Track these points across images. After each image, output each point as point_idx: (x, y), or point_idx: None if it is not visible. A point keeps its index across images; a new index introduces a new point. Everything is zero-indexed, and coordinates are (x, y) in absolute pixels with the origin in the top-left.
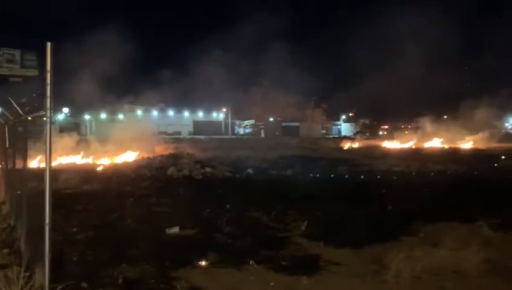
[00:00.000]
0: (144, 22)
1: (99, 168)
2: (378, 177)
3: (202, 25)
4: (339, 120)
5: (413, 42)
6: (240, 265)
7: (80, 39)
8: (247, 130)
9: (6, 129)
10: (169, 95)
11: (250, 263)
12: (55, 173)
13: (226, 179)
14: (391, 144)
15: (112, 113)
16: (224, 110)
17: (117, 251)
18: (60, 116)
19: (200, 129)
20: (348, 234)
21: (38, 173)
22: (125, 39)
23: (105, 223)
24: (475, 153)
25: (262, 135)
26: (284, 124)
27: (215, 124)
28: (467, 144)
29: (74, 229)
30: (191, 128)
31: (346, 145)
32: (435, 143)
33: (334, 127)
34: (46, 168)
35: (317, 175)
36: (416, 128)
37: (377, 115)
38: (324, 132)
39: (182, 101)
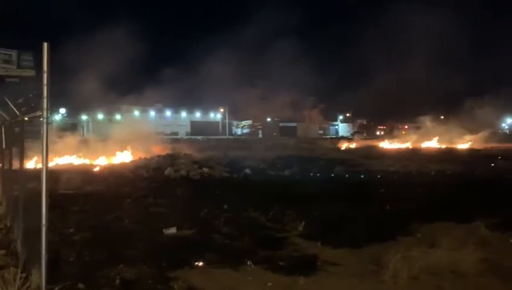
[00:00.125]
0: (142, 22)
1: (96, 169)
2: (376, 177)
3: (199, 26)
4: (336, 120)
5: (411, 42)
6: (237, 265)
7: (77, 39)
8: (245, 131)
9: (3, 130)
10: (167, 95)
11: (248, 263)
12: (52, 173)
13: (223, 179)
14: (388, 144)
15: (109, 113)
16: (222, 110)
17: (114, 252)
18: (57, 117)
19: (197, 129)
20: (346, 234)
21: (35, 174)
22: (122, 39)
23: (102, 223)
24: (472, 153)
25: (260, 135)
26: (281, 124)
27: (213, 125)
28: (463, 144)
29: (71, 230)
30: (188, 129)
31: (344, 145)
32: (432, 143)
33: (331, 127)
34: (42, 168)
35: (315, 175)
36: (413, 129)
37: (374, 115)
38: (321, 132)
39: (179, 102)
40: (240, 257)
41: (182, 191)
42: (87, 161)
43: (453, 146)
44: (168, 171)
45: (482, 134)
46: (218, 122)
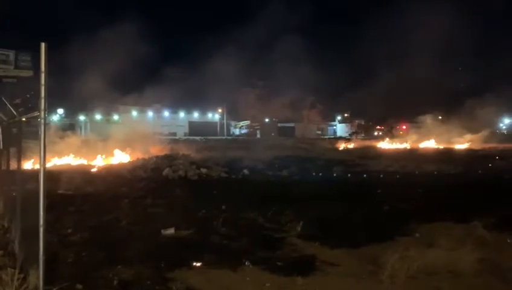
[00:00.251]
0: (139, 23)
1: (94, 169)
2: (374, 177)
3: (197, 26)
4: (334, 121)
5: (410, 42)
6: (235, 266)
7: (74, 40)
8: (243, 131)
9: (0, 130)
10: (165, 95)
11: (246, 263)
12: (50, 174)
13: (221, 179)
14: (386, 145)
15: (107, 114)
16: (220, 110)
17: (112, 252)
18: (55, 117)
19: (195, 130)
20: (344, 234)
21: (33, 174)
22: (120, 40)
23: (100, 224)
24: (470, 154)
25: (258, 136)
26: (279, 124)
27: (211, 125)
28: (461, 145)
29: (69, 231)
30: (186, 129)
31: (342, 145)
32: (430, 143)
33: (329, 127)
34: (40, 169)
35: (313, 175)
36: (411, 129)
37: (372, 115)
38: (320, 132)
39: (177, 102)
40: (238, 258)
41: (180, 192)
42: (85, 162)
43: (451, 146)
44: (166, 171)
45: (481, 134)
46: (216, 122)
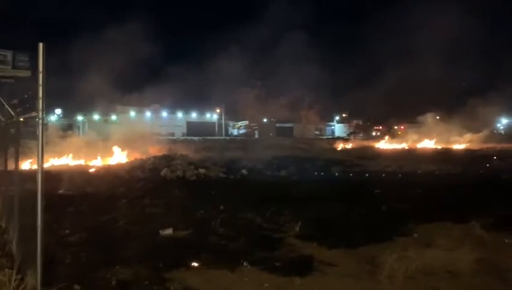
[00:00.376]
0: (137, 23)
1: (92, 170)
2: (372, 177)
3: (195, 26)
4: (332, 121)
5: (408, 42)
6: (233, 266)
7: (71, 40)
8: (241, 131)
9: None
10: (163, 96)
11: (244, 264)
12: (48, 174)
13: (219, 180)
14: (384, 145)
15: (105, 114)
16: (218, 111)
17: (110, 253)
18: (53, 118)
19: (193, 130)
20: (342, 234)
21: (31, 175)
22: (118, 40)
23: (98, 224)
24: (468, 154)
25: (256, 136)
26: (277, 124)
27: (209, 125)
28: (459, 145)
29: (67, 231)
30: (184, 130)
31: (340, 146)
32: (428, 144)
33: (327, 128)
34: (38, 169)
35: (311, 176)
36: (409, 129)
37: (370, 115)
38: (318, 132)
39: (175, 102)
40: (236, 258)
41: (178, 192)
42: (82, 162)
43: (450, 146)
44: (164, 172)
45: (481, 134)
46: (214, 122)
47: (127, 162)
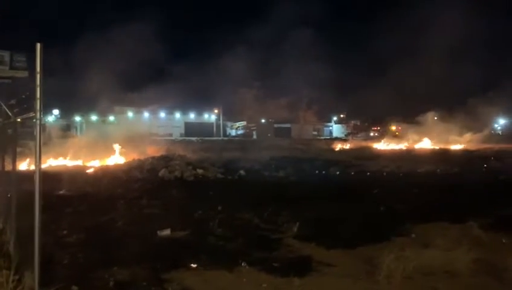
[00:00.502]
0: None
1: (90, 170)
2: (370, 178)
3: (192, 27)
4: (330, 121)
5: (406, 43)
6: (231, 267)
7: (69, 41)
8: (239, 132)
9: None
10: (161, 96)
11: (242, 264)
12: (45, 175)
13: (217, 180)
14: (382, 145)
15: (103, 114)
16: (216, 111)
17: (108, 254)
18: (50, 118)
19: (191, 131)
20: (340, 234)
21: (28, 175)
22: (115, 41)
23: (96, 225)
24: (465, 154)
25: (254, 136)
26: (275, 125)
27: (207, 126)
28: (457, 145)
29: (64, 232)
30: (182, 130)
31: (338, 146)
32: (426, 144)
33: (325, 128)
34: (36, 170)
35: (309, 176)
36: (408, 129)
37: (368, 116)
38: (316, 133)
39: (173, 103)
40: (234, 258)
41: (176, 193)
42: (80, 163)
43: (447, 147)
44: (162, 172)
45: (481, 134)
46: (212, 123)
47: (124, 163)
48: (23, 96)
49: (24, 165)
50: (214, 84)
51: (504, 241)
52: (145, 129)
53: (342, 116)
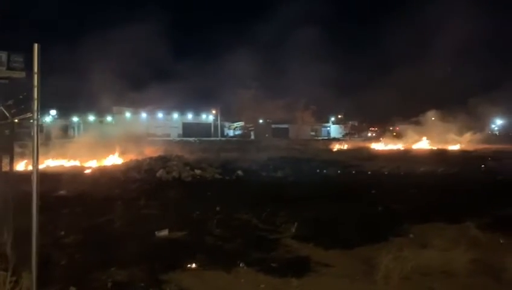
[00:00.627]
0: (134, 23)
1: (88, 171)
2: (367, 178)
3: (190, 27)
4: (328, 122)
5: (403, 44)
6: (229, 267)
7: (67, 41)
8: (237, 132)
9: None
10: (159, 97)
11: (240, 265)
12: (43, 175)
13: (215, 181)
14: (380, 146)
15: (100, 115)
16: (214, 112)
17: (106, 254)
18: (48, 119)
19: (189, 131)
20: (338, 235)
21: (26, 176)
22: (113, 41)
23: (93, 226)
24: (463, 155)
25: (252, 137)
26: (273, 125)
27: (205, 126)
28: (455, 146)
29: (62, 233)
30: (180, 131)
31: (336, 146)
32: (423, 144)
33: (323, 128)
34: (33, 170)
35: (307, 176)
36: (406, 130)
37: (365, 116)
38: (313, 133)
39: (171, 103)
40: (232, 259)
41: (174, 193)
42: (78, 163)
43: (445, 147)
44: (159, 173)
45: (477, 135)
46: (210, 123)
47: (122, 163)
48: (21, 97)
49: (22, 165)
50: (211, 84)
51: (501, 241)
52: (143, 130)
53: (339, 116)
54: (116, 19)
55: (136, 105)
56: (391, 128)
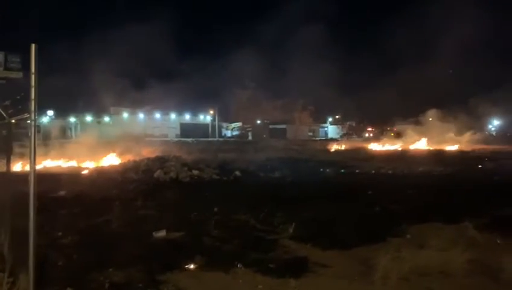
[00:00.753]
0: (130, 25)
1: (85, 172)
2: (365, 178)
3: (188, 28)
4: (325, 122)
5: (400, 44)
6: (227, 268)
7: (66, 41)
8: (235, 133)
9: None
10: (156, 97)
11: (238, 266)
12: (40, 176)
13: (213, 181)
14: (377, 146)
15: (98, 115)
16: (212, 112)
17: (103, 255)
18: (45, 119)
19: (187, 132)
20: (336, 235)
21: (23, 177)
22: (111, 41)
23: (91, 227)
24: (460, 155)
25: (250, 137)
26: (271, 126)
27: (202, 127)
28: (452, 146)
29: (59, 234)
30: (178, 131)
31: (333, 147)
32: (421, 145)
33: (321, 129)
34: (30, 171)
35: (305, 177)
36: (402, 131)
37: (363, 117)
38: (311, 134)
39: (168, 104)
40: (230, 260)
41: (172, 194)
42: (75, 164)
43: (442, 148)
44: (157, 173)
45: (476, 135)
46: (208, 124)
47: (120, 164)
48: (18, 97)
49: (19, 166)
50: (209, 85)
51: (499, 241)
52: (140, 130)
53: (337, 117)
54: (112, 21)
55: (133, 105)
56: (389, 128)
